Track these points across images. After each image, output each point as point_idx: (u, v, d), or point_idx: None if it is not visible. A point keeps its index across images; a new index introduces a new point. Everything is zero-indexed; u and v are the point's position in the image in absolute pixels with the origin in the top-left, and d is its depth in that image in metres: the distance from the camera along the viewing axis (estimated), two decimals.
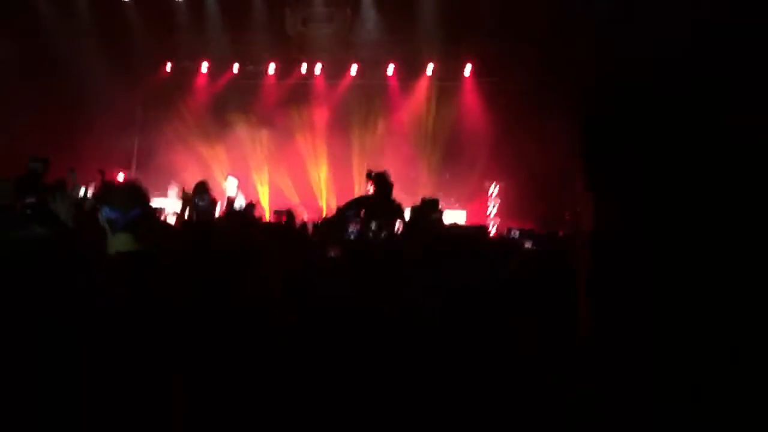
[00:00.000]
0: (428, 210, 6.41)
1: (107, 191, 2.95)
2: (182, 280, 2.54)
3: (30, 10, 13.03)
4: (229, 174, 11.08)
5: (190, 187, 7.20)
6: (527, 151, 11.13)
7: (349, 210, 5.02)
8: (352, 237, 4.61)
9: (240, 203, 10.12)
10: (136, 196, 2.89)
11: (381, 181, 6.80)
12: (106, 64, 12.94)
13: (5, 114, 11.46)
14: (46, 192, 2.95)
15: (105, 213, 2.85)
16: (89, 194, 8.96)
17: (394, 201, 6.92)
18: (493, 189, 13.08)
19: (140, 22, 13.49)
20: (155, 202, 10.34)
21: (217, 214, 8.25)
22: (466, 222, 12.40)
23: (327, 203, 13.71)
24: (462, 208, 13.06)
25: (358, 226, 4.72)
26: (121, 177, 11.93)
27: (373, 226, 5.92)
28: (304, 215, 11.14)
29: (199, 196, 6.58)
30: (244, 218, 3.55)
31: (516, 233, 7.19)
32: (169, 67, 14.81)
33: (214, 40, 14.01)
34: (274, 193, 14.25)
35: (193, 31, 13.98)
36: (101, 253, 2.70)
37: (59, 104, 12.49)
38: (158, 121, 14.08)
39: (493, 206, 13.05)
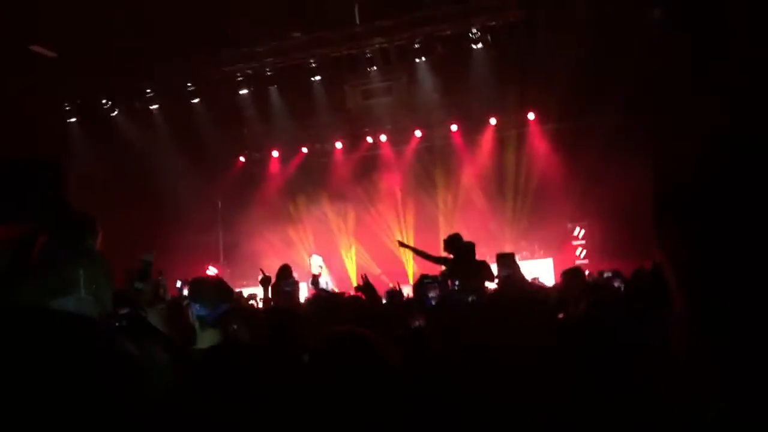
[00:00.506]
0: (500, 266, 6.29)
1: (196, 289, 3.02)
2: (269, 370, 2.55)
3: (115, 128, 13.99)
4: (312, 253, 11.27)
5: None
6: (606, 191, 10.87)
7: (426, 279, 5.00)
8: (433, 302, 4.56)
9: (326, 280, 10.23)
10: (223, 292, 2.95)
11: (454, 244, 6.79)
12: (184, 165, 13.59)
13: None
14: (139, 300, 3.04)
15: (195, 310, 2.92)
16: (185, 292, 9.22)
17: (474, 260, 6.84)
18: (579, 231, 12.75)
19: (210, 121, 14.18)
20: (246, 291, 10.58)
21: (306, 295, 8.37)
22: (554, 269, 12.09)
23: (414, 269, 13.71)
24: (547, 255, 12.76)
25: (437, 291, 4.67)
26: (212, 271, 12.28)
27: (457, 285, 5.85)
28: (389, 284, 11.13)
29: (284, 281, 6.70)
30: (328, 300, 3.57)
31: (608, 274, 6.93)
32: (242, 159, 15.42)
33: (280, 128, 14.53)
34: (361, 266, 14.37)
35: (261, 121, 14.57)
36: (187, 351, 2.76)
37: (146, 210, 13.10)
38: (238, 213, 14.56)
39: (581, 250, 12.68)
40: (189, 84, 13.81)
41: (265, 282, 6.17)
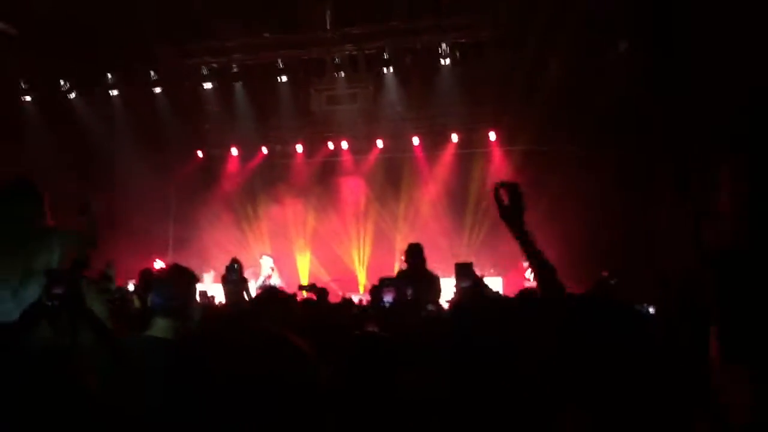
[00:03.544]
0: (460, 276, 6.33)
1: (155, 278, 2.96)
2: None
3: (70, 110, 13.60)
4: (263, 254, 11.17)
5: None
6: (560, 214, 11.05)
7: (384, 282, 4.98)
8: (386, 305, 4.54)
9: (276, 282, 10.14)
10: (180, 282, 2.88)
11: (411, 253, 6.83)
12: (141, 156, 13.32)
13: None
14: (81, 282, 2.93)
15: (151, 298, 2.86)
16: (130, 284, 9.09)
17: (427, 271, 6.90)
18: None
19: (171, 112, 13.93)
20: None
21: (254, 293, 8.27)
22: (503, 289, 12.21)
23: (365, 276, 13.71)
24: (497, 274, 12.88)
25: (393, 294, 4.66)
26: (158, 264, 12.06)
27: (409, 293, 5.87)
28: (339, 292, 11.10)
29: (230, 273, 6.65)
30: (272, 298, 3.52)
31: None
32: (200, 154, 15.19)
33: (242, 126, 14.38)
34: (312, 272, 14.31)
35: (223, 117, 14.39)
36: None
37: (97, 195, 12.79)
38: (192, 207, 14.34)
39: (531, 272, 12.83)
40: (152, 72, 13.55)
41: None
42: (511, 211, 2.49)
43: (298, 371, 1.67)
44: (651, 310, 5.54)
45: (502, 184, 2.50)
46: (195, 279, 2.93)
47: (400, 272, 6.91)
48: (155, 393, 2.39)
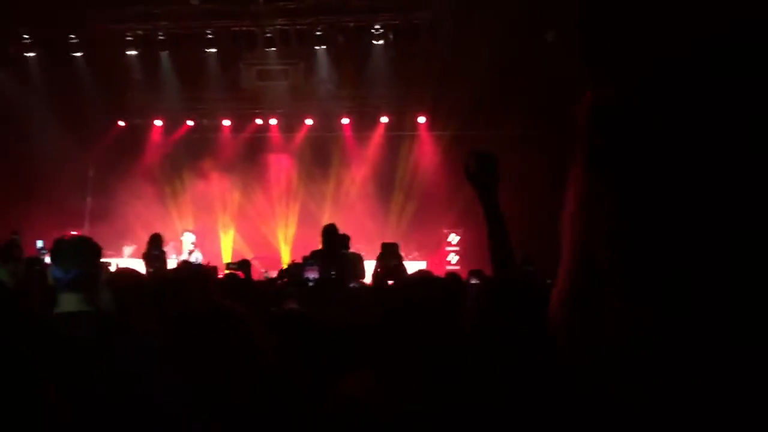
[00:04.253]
0: (386, 257, 6.38)
1: (53, 249, 2.79)
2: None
3: None
4: (185, 230, 10.90)
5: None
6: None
7: (307, 261, 4.96)
8: (310, 284, 4.52)
9: (196, 258, 9.92)
10: (83, 253, 2.74)
11: (326, 234, 6.82)
12: (57, 122, 12.72)
13: None
14: None
15: (52, 272, 2.71)
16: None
17: (345, 251, 6.94)
18: (453, 238, 13.11)
19: (91, 79, 13.33)
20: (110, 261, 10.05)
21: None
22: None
23: (289, 255, 13.58)
24: (422, 258, 13.03)
25: (315, 273, 4.64)
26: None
27: (333, 273, 5.89)
28: (261, 270, 10.98)
29: (153, 248, 6.49)
30: (193, 272, 3.43)
31: (473, 280, 7.18)
32: (122, 123, 14.63)
33: (167, 96, 13.93)
34: (235, 249, 14.08)
35: (146, 87, 13.89)
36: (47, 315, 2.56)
37: (7, 163, 12.20)
38: (111, 180, 13.84)
39: (454, 255, 13.05)
40: (72, 36, 12.90)
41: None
42: (482, 179, 2.40)
43: (240, 339, 1.63)
44: None
45: (474, 153, 2.43)
46: (98, 249, 2.79)
47: (314, 252, 6.87)
48: (89, 370, 2.28)
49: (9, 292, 2.46)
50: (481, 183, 2.39)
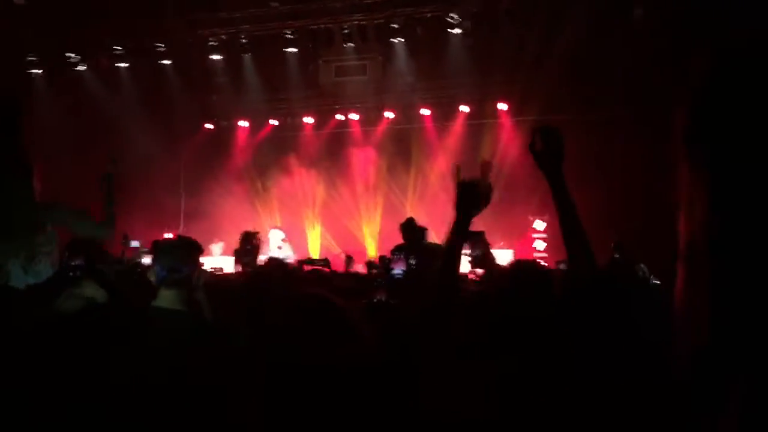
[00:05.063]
0: (471, 245, 6.33)
1: (156, 248, 2.95)
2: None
3: (79, 83, 13.60)
4: (272, 227, 11.18)
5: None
6: (574, 183, 10.97)
7: (394, 253, 5.00)
8: (396, 277, 4.55)
9: (287, 255, 10.15)
10: (182, 253, 2.87)
11: (406, 229, 6.89)
12: (149, 128, 13.30)
13: (58, 185, 11.80)
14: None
15: (155, 269, 2.86)
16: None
17: (428, 243, 6.97)
18: (540, 225, 12.87)
19: (179, 85, 13.88)
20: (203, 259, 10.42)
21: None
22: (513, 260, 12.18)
23: (375, 249, 13.69)
24: (508, 246, 12.85)
25: (402, 265, 4.67)
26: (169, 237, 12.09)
27: (413, 262, 5.93)
28: (352, 264, 11.10)
29: (245, 247, 6.70)
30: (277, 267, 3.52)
31: (562, 266, 7.05)
32: (209, 126, 15.16)
33: (251, 98, 14.31)
34: (323, 244, 14.34)
35: (231, 89, 14.32)
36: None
37: (105, 169, 12.81)
38: (202, 180, 14.35)
39: (541, 243, 12.81)
40: (160, 44, 13.47)
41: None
42: (548, 157, 2.32)
43: (346, 334, 1.65)
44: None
45: (539, 129, 2.36)
46: (199, 249, 2.92)
47: (397, 247, 6.92)
48: (175, 362, 2.39)
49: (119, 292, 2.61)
50: (546, 161, 2.33)
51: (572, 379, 1.71)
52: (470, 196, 2.21)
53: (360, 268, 9.44)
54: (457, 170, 2.24)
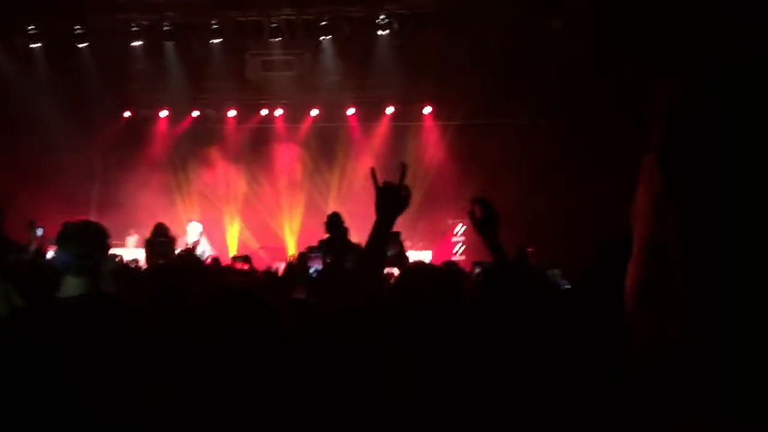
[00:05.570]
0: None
1: (60, 233, 2.80)
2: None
3: None
4: (190, 220, 10.91)
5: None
6: (496, 185, 11.24)
7: (312, 250, 4.98)
8: (314, 276, 4.54)
9: (204, 249, 9.91)
10: (90, 238, 2.75)
11: (331, 223, 6.87)
12: (63, 113, 12.73)
13: None
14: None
15: (58, 255, 2.73)
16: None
17: (349, 241, 6.97)
18: (459, 228, 13.10)
19: (97, 70, 13.33)
20: (117, 251, 10.05)
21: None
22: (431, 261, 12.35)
23: (295, 246, 13.59)
24: (427, 248, 13.01)
25: (319, 263, 4.66)
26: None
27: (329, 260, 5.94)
28: (273, 261, 10.98)
29: (157, 238, 6.50)
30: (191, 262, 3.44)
31: (477, 269, 7.22)
32: (128, 114, 14.64)
33: (172, 87, 13.92)
34: (241, 240, 14.11)
35: (152, 78, 13.88)
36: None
37: (14, 153, 12.23)
38: (118, 169, 13.88)
39: (460, 246, 13.05)
40: (78, 26, 12.89)
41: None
42: (486, 223, 2.59)
43: (267, 323, 1.63)
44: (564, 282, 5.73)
45: (478, 200, 2.63)
46: (106, 235, 2.80)
47: (322, 242, 6.89)
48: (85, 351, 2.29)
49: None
50: (485, 226, 2.60)
51: (482, 373, 1.76)
52: (391, 199, 2.30)
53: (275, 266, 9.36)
54: (373, 173, 2.32)
